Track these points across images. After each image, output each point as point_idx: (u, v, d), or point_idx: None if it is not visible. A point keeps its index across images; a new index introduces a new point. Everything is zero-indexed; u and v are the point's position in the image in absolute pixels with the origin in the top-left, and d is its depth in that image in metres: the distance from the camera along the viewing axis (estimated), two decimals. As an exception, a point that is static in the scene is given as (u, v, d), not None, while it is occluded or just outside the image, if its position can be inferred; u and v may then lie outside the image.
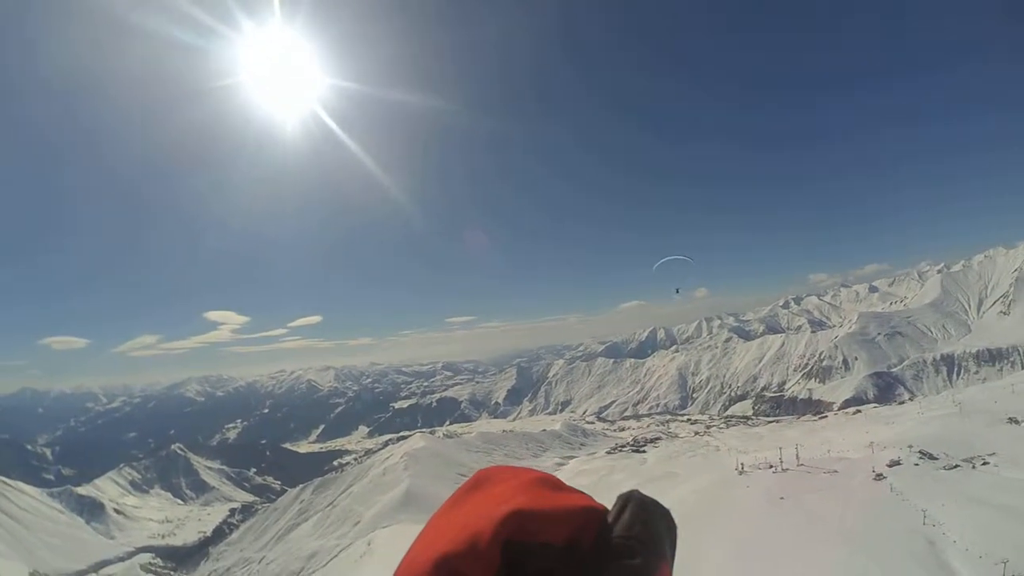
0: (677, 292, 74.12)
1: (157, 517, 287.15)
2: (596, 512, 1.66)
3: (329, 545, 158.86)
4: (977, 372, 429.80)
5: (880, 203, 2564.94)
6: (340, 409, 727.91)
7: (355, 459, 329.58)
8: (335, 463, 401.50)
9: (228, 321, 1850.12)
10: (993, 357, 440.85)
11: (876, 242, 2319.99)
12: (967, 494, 73.68)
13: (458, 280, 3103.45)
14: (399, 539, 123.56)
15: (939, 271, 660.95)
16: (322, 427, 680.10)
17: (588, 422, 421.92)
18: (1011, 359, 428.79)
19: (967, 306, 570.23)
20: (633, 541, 1.60)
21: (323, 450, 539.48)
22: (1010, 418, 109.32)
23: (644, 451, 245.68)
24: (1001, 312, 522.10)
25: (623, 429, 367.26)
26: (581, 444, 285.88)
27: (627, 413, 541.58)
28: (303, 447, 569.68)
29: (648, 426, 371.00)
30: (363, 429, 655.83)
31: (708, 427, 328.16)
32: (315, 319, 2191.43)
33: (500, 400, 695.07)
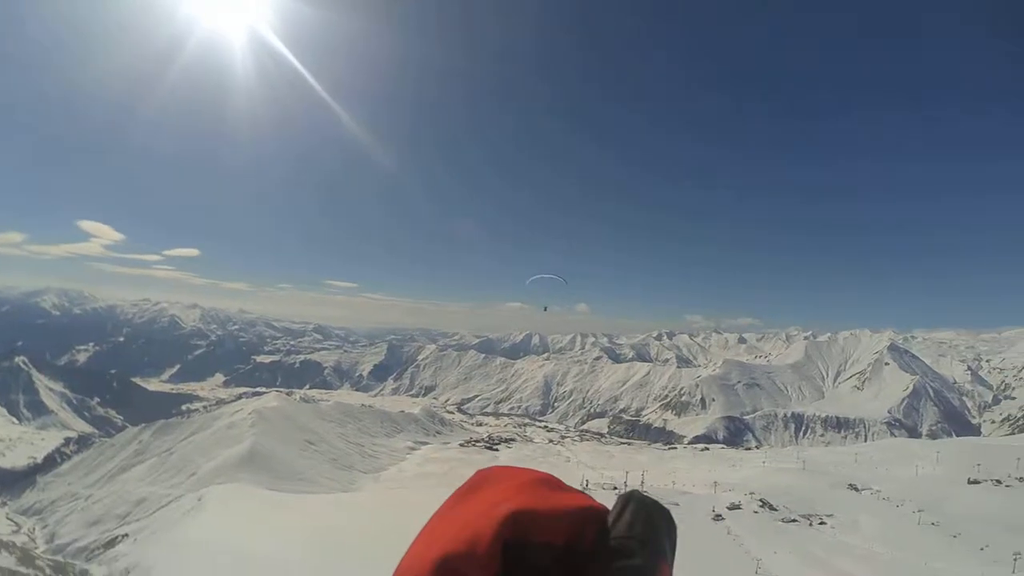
0: (545, 310, 72.71)
1: None
2: (596, 512, 1.65)
3: (160, 493, 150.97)
4: (823, 435, 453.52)
5: (765, 267, 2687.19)
6: (200, 352, 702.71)
7: (205, 407, 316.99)
8: (184, 407, 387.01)
9: (102, 235, 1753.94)
10: (840, 425, 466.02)
11: (754, 299, 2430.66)
12: (803, 550, 74.80)
13: (349, 243, 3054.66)
14: (232, 498, 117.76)
15: (806, 337, 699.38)
16: (177, 367, 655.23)
17: (448, 411, 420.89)
18: (856, 430, 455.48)
19: (825, 374, 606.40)
20: (633, 541, 1.58)
21: (174, 391, 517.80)
22: (850, 484, 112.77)
23: (497, 449, 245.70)
24: (855, 387, 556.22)
25: (481, 424, 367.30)
26: (437, 432, 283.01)
27: (488, 409, 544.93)
28: (153, 384, 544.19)
29: (506, 426, 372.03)
30: (220, 377, 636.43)
31: (563, 437, 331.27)
32: (193, 252, 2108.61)
33: (365, 373, 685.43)
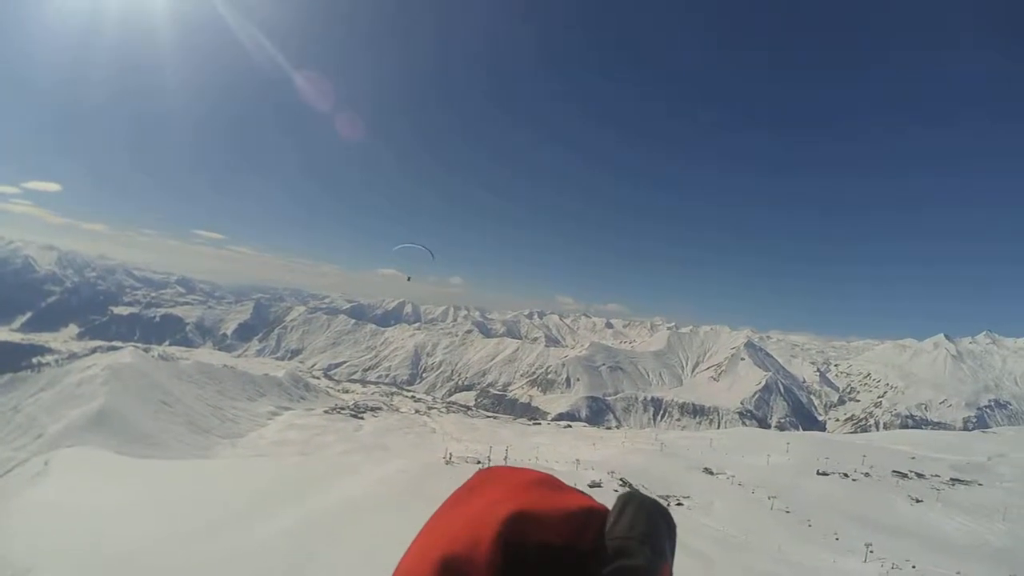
0: (408, 279, 71.48)
1: None
2: (596, 512, 1.61)
3: (4, 456, 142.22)
4: (679, 420, 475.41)
5: (637, 257, 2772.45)
6: (54, 299, 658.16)
7: (56, 360, 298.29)
8: (34, 360, 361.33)
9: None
10: (696, 411, 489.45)
11: (624, 287, 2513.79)
12: (661, 530, 75.64)
13: (219, 191, 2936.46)
14: (81, 463, 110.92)
15: (670, 328, 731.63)
16: (28, 315, 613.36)
17: (314, 376, 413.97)
18: (710, 417, 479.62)
19: (684, 364, 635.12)
20: (634, 541, 1.57)
21: (24, 342, 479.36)
22: (706, 468, 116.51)
23: (363, 418, 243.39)
24: (712, 378, 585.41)
25: (347, 391, 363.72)
26: (301, 397, 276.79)
27: (355, 376, 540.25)
28: (2, 333, 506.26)
29: (373, 394, 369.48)
30: (74, 328, 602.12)
31: (430, 408, 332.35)
32: (54, 187, 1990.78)
33: (229, 332, 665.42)
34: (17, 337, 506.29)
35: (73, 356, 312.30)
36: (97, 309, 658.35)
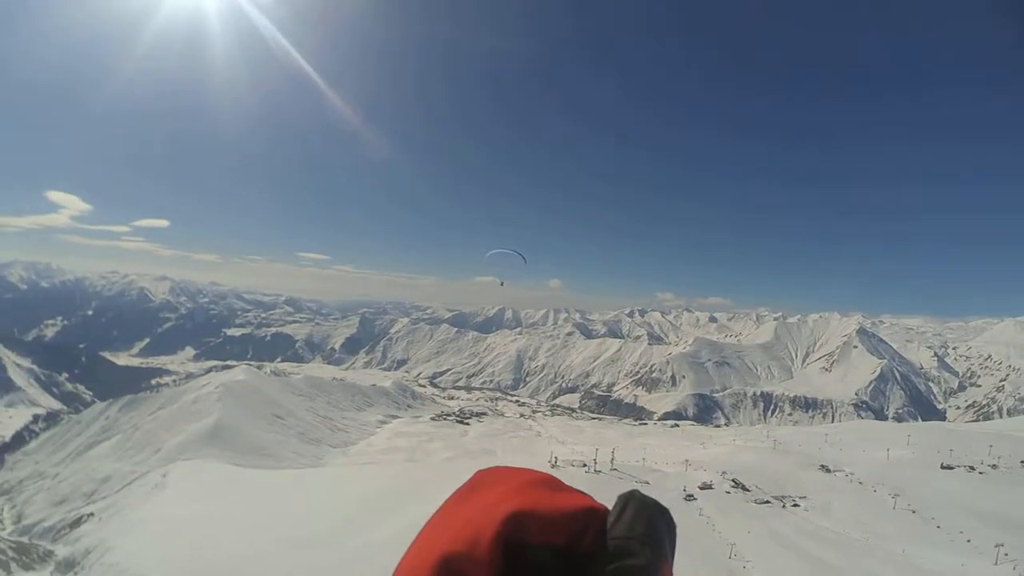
0: (502, 284, 71.03)
1: None
2: (597, 512, 1.65)
3: (125, 470, 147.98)
4: (791, 415, 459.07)
5: (737, 248, 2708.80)
6: (169, 325, 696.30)
7: (174, 381, 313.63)
8: (153, 382, 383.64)
9: (69, 206, 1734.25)
10: (808, 404, 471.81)
11: (725, 279, 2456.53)
12: (776, 534, 73.26)
13: (321, 215, 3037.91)
14: (197, 475, 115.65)
15: (776, 318, 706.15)
16: (147, 341, 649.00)
17: (420, 385, 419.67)
18: (823, 410, 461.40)
19: (794, 355, 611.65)
20: (634, 541, 1.57)
21: (143, 366, 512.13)
22: (822, 465, 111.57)
23: (468, 423, 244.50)
24: (823, 368, 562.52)
25: (452, 398, 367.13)
26: (408, 406, 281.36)
27: (460, 383, 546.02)
28: (122, 359, 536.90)
29: (477, 399, 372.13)
30: (190, 350, 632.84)
31: (534, 411, 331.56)
32: (162, 223, 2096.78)
33: (337, 346, 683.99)
34: (136, 362, 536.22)
35: (190, 376, 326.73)
36: (211, 331, 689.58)
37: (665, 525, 1.68)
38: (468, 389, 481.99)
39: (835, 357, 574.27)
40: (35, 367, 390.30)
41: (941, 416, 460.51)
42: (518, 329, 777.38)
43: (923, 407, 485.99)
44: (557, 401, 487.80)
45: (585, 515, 1.62)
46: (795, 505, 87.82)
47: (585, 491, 1.88)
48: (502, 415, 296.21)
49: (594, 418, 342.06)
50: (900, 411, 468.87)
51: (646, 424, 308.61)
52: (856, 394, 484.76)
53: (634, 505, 1.68)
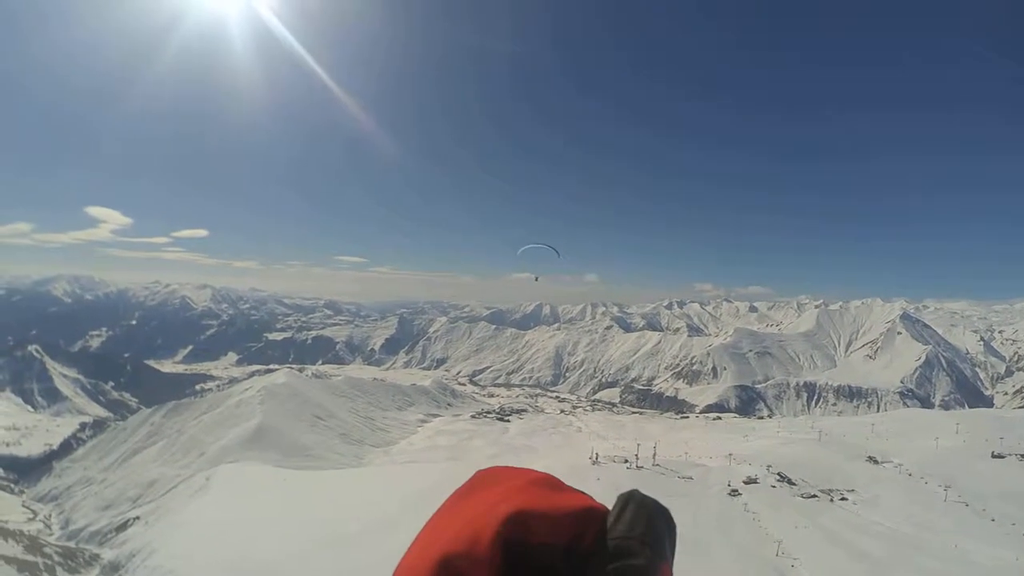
0: (536, 279, 70.53)
1: (4, 423, 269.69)
2: (597, 512, 1.64)
3: (170, 474, 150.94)
4: (835, 405, 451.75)
5: (776, 235, 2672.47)
6: (212, 332, 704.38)
7: (218, 386, 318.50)
8: (197, 387, 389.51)
9: (110, 220, 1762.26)
10: (852, 394, 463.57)
11: (764, 268, 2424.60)
12: (824, 529, 72.04)
13: (356, 218, 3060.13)
14: (240, 477, 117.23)
15: (817, 306, 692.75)
16: (190, 348, 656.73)
17: (460, 383, 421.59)
18: (868, 399, 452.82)
19: (836, 343, 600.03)
20: (634, 541, 1.56)
21: (187, 372, 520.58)
22: (870, 457, 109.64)
23: (508, 420, 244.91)
24: (867, 356, 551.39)
25: (492, 395, 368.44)
26: (448, 404, 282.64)
27: (499, 380, 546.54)
28: (167, 366, 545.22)
29: (517, 396, 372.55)
30: (232, 356, 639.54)
31: (575, 407, 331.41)
32: (202, 232, 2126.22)
33: (377, 347, 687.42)
34: (181, 368, 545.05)
35: (233, 381, 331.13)
36: (253, 337, 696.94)
37: (665, 525, 1.67)
38: (508, 386, 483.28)
39: (879, 344, 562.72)
40: (81, 377, 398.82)
41: (988, 403, 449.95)
42: (556, 325, 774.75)
43: (970, 393, 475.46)
44: (597, 396, 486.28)
45: (585, 515, 1.62)
46: (843, 499, 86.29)
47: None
48: (542, 411, 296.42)
49: (635, 412, 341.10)
50: (947, 398, 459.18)
51: (688, 417, 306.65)
52: (901, 382, 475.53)
53: (634, 505, 1.67)
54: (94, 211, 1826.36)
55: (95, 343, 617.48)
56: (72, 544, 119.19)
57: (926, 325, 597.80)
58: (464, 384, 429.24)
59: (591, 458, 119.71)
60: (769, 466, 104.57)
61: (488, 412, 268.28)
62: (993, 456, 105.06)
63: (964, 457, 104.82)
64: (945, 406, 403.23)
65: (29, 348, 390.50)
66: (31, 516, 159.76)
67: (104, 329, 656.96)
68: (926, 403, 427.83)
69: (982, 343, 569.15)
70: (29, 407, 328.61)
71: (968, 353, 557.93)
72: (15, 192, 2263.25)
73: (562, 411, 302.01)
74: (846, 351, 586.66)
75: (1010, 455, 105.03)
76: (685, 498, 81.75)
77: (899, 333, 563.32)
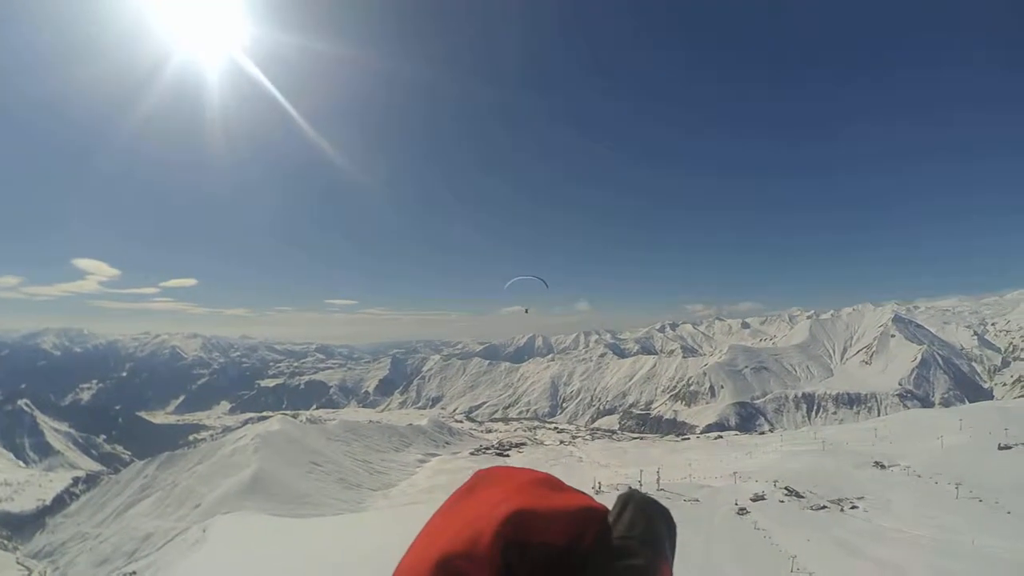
0: (527, 312, 69.22)
1: None
2: (597, 512, 1.64)
3: (166, 527, 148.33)
4: (835, 413, 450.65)
5: (762, 250, 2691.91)
6: (203, 381, 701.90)
7: (211, 436, 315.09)
8: (191, 438, 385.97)
9: (97, 272, 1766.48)
10: (852, 401, 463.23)
11: (753, 283, 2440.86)
12: (837, 540, 70.07)
13: (344, 262, 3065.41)
14: (237, 527, 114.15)
15: (809, 316, 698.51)
16: (182, 398, 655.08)
17: (456, 420, 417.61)
18: (868, 404, 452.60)
19: (831, 352, 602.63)
20: (634, 541, 1.59)
21: (180, 422, 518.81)
22: (876, 462, 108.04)
23: (508, 455, 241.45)
24: (863, 361, 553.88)
25: (490, 431, 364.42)
26: (446, 442, 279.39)
27: (496, 415, 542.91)
28: (159, 417, 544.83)
29: (515, 430, 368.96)
30: (225, 405, 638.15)
31: (574, 437, 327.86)
32: (190, 282, 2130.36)
33: (371, 389, 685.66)
34: (173, 419, 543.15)
35: (227, 429, 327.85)
36: (245, 384, 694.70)
37: (665, 525, 1.66)
38: (505, 420, 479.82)
39: (874, 349, 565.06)
40: (72, 430, 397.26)
41: (988, 395, 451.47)
42: (550, 356, 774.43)
43: (969, 388, 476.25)
44: (596, 424, 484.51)
45: (585, 515, 1.62)
46: (853, 507, 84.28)
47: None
48: (542, 444, 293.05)
49: (635, 438, 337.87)
50: (946, 395, 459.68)
51: (689, 439, 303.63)
52: (900, 384, 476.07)
53: (634, 505, 1.66)
54: (82, 263, 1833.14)
55: (86, 396, 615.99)
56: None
57: (919, 325, 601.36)
58: (461, 421, 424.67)
59: (593, 488, 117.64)
60: (775, 481, 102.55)
61: (487, 448, 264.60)
62: (1000, 448, 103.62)
63: (971, 452, 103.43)
64: (945, 403, 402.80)
65: (19, 402, 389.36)
66: (26, 574, 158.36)
67: (94, 382, 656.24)
68: (926, 402, 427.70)
69: (976, 337, 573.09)
70: (20, 462, 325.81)
71: (963, 348, 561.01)
72: (3, 246, 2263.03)
73: (562, 442, 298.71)
74: (842, 359, 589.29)
75: (1017, 445, 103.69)
76: (694, 522, 79.59)
77: (893, 336, 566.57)
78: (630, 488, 1.91)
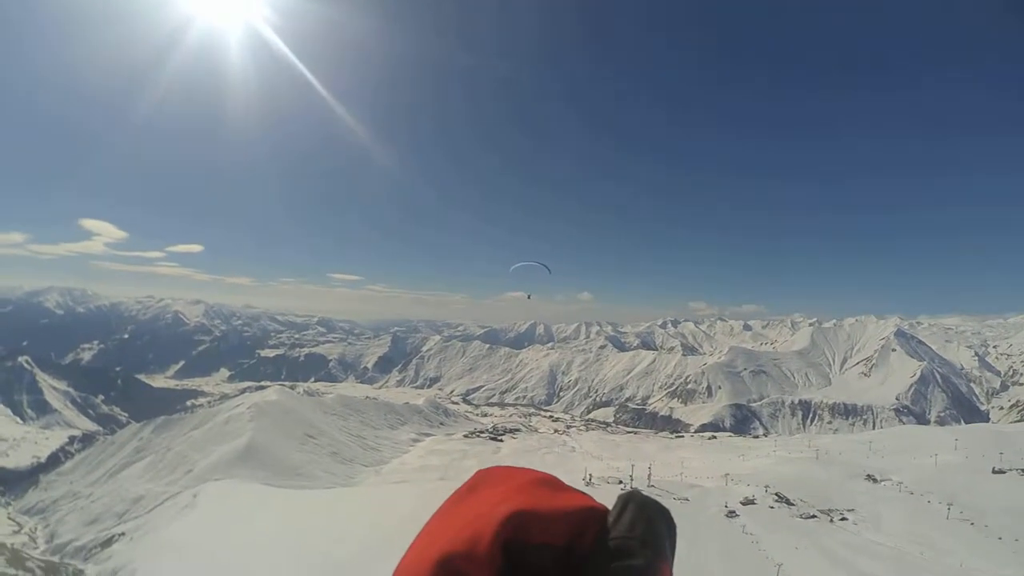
0: (528, 297, 69.27)
1: None
2: (597, 512, 1.64)
3: (157, 491, 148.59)
4: (831, 422, 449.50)
5: (769, 254, 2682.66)
6: (204, 347, 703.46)
7: (209, 402, 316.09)
8: (188, 403, 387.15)
9: (104, 233, 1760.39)
10: (848, 411, 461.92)
11: (758, 286, 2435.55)
12: (826, 550, 70.13)
13: (351, 237, 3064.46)
14: (227, 495, 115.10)
15: (811, 324, 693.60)
16: (182, 363, 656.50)
17: (453, 402, 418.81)
18: (864, 416, 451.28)
19: (831, 361, 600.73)
20: (634, 541, 1.60)
21: (178, 387, 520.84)
22: (868, 475, 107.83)
23: (501, 440, 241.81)
24: (862, 373, 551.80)
25: (486, 415, 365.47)
26: (441, 423, 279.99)
27: (493, 400, 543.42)
28: (158, 381, 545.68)
29: (511, 416, 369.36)
30: (224, 372, 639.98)
31: (568, 427, 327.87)
32: (196, 248, 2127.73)
33: (370, 366, 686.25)
34: (172, 383, 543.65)
35: (224, 397, 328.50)
36: (245, 353, 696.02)
37: (665, 525, 1.66)
38: (501, 405, 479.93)
39: (873, 361, 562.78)
40: (71, 390, 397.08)
41: (984, 417, 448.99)
42: (550, 344, 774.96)
43: (966, 409, 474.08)
44: (591, 416, 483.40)
45: (585, 515, 1.62)
46: (843, 519, 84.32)
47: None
48: (536, 431, 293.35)
49: (629, 432, 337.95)
50: (942, 414, 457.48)
51: (683, 437, 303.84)
52: (897, 398, 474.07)
53: (634, 505, 1.66)
54: (89, 224, 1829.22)
55: (86, 356, 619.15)
56: (56, 559, 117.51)
57: (920, 341, 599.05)
58: (457, 403, 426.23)
59: (584, 479, 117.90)
60: (767, 486, 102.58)
61: (481, 431, 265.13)
62: (994, 472, 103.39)
63: (965, 473, 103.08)
64: (941, 422, 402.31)
65: (19, 359, 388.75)
66: (16, 529, 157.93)
67: (96, 342, 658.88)
68: (922, 419, 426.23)
69: (976, 358, 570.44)
70: (18, 419, 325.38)
71: (963, 368, 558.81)
72: (10, 202, 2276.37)
73: (556, 431, 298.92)
74: (841, 368, 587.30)
75: (1011, 470, 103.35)
76: (682, 521, 78.61)
77: (893, 350, 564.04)
78: (630, 488, 2.22)
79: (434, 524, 1.67)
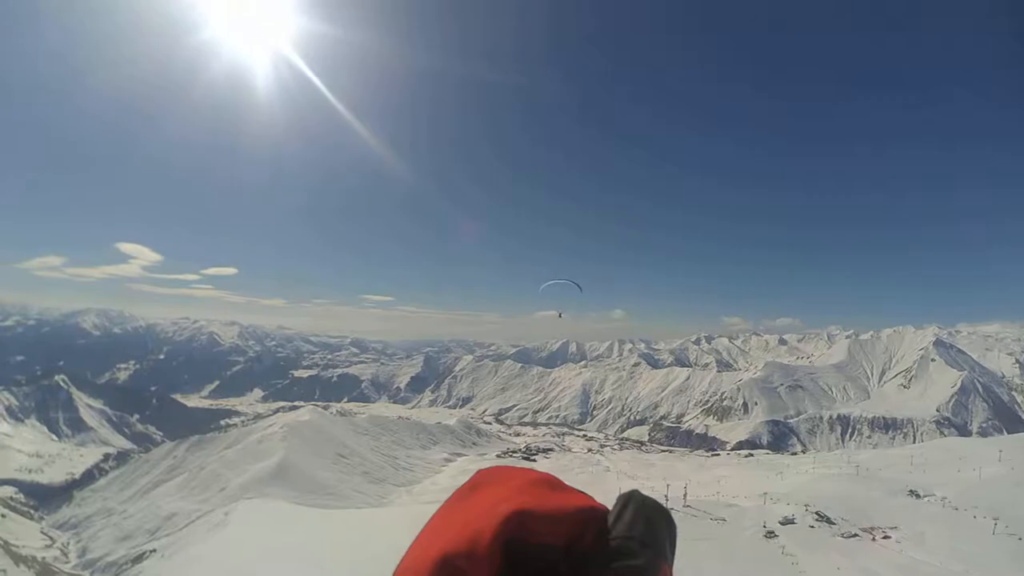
0: (560, 316, 68.13)
1: (28, 450, 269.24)
2: (597, 512, 1.66)
3: (189, 508, 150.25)
4: (870, 437, 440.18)
5: (803, 266, 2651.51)
6: (238, 368, 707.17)
7: (242, 422, 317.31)
8: (222, 423, 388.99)
9: (140, 256, 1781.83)
10: (887, 425, 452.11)
11: (793, 299, 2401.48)
12: (868, 571, 68.35)
13: (383, 257, 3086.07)
14: (259, 514, 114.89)
15: (848, 336, 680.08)
16: (216, 383, 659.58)
17: (485, 422, 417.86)
18: (904, 430, 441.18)
19: (869, 374, 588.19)
20: (634, 541, 1.59)
21: (212, 407, 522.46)
22: (911, 491, 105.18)
23: (534, 460, 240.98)
24: (901, 385, 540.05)
25: (519, 434, 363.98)
26: (473, 443, 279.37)
27: (526, 419, 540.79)
28: (192, 401, 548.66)
29: (544, 435, 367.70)
30: (258, 392, 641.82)
31: (602, 446, 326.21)
32: (230, 270, 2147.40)
33: (402, 386, 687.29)
34: (207, 403, 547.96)
35: (258, 417, 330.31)
36: (279, 374, 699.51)
37: (665, 525, 1.69)
38: (534, 425, 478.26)
39: (913, 372, 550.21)
40: (107, 408, 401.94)
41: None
42: (583, 362, 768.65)
43: (1008, 419, 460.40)
44: (625, 434, 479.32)
45: (585, 515, 1.64)
46: (886, 537, 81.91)
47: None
48: (569, 450, 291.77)
49: (664, 451, 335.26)
50: (984, 425, 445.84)
51: (719, 455, 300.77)
52: (937, 410, 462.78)
53: (634, 505, 1.69)
54: (125, 247, 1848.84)
55: (122, 376, 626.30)
56: (86, 574, 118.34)
57: (960, 350, 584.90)
58: (490, 423, 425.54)
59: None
60: (807, 505, 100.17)
61: (514, 451, 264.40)
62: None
63: (1010, 486, 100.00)
64: (983, 433, 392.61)
65: (56, 378, 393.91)
66: (49, 543, 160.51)
67: (132, 362, 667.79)
68: (963, 431, 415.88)
69: (1017, 365, 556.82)
70: (54, 436, 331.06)
71: (1004, 377, 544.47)
72: (48, 226, 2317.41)
73: (589, 450, 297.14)
74: (879, 381, 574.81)
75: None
76: (719, 542, 77.99)
77: (933, 360, 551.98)
78: (631, 489, 2.06)
79: (435, 523, 1.71)
